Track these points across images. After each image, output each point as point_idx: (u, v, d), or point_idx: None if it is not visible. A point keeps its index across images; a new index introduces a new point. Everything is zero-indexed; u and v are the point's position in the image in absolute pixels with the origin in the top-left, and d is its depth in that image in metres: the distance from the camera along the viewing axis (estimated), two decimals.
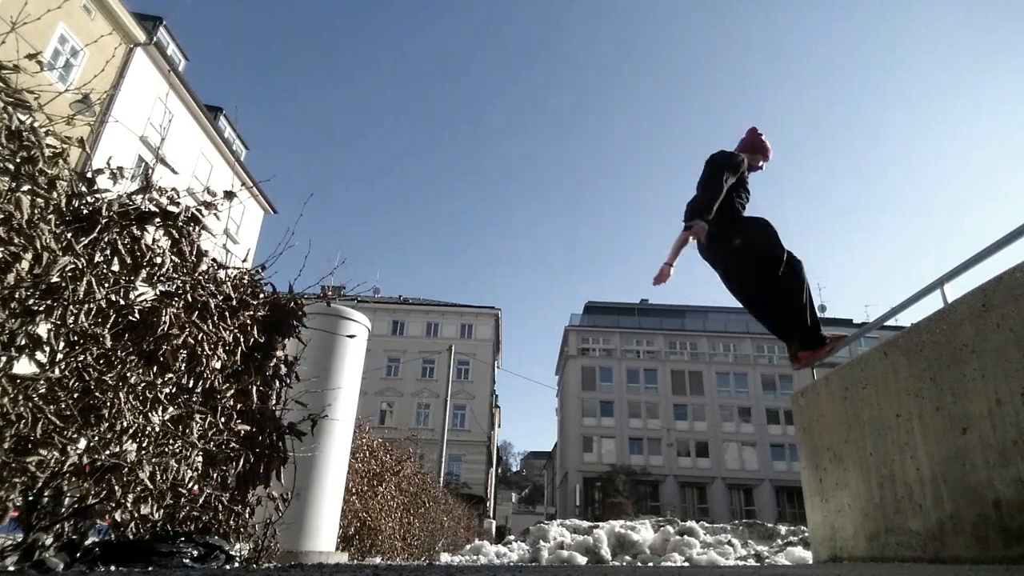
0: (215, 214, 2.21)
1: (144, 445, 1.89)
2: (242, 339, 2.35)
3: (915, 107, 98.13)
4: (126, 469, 1.76)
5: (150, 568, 1.76)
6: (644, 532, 8.96)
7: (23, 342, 1.56)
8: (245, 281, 2.51)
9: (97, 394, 1.71)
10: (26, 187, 1.55)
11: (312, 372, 2.99)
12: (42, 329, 1.60)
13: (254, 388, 2.39)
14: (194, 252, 2.12)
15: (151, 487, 1.84)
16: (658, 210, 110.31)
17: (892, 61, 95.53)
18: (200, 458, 2.11)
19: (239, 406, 2.32)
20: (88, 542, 1.78)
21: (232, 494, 2.28)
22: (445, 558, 9.18)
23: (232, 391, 2.28)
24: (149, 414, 1.89)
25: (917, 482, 2.38)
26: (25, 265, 1.54)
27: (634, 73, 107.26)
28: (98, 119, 12.24)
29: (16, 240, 1.50)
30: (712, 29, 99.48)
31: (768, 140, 3.65)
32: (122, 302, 1.85)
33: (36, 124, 1.62)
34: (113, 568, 1.71)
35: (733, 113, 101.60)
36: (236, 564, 2.09)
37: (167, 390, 2.01)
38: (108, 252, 1.82)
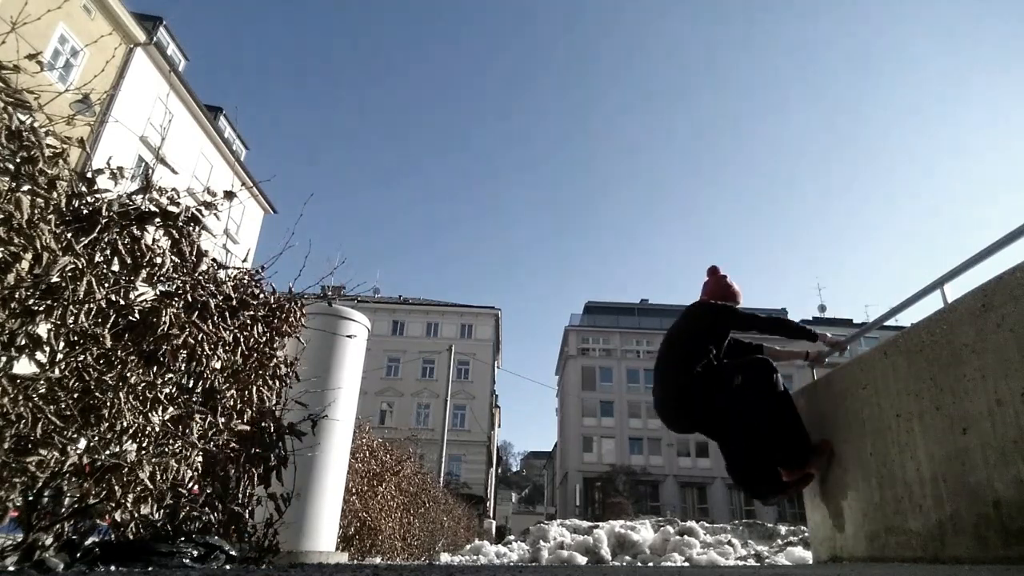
0: (215, 214, 2.21)
1: (144, 445, 1.89)
2: (242, 339, 2.35)
3: (917, 107, 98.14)
4: (126, 469, 1.76)
5: (150, 568, 1.76)
6: (644, 532, 8.95)
7: (23, 342, 1.56)
8: (245, 281, 2.51)
9: (97, 394, 1.71)
10: (26, 187, 1.55)
11: (312, 372, 2.99)
12: (42, 329, 1.60)
13: (254, 388, 2.39)
14: (194, 252, 2.12)
15: (151, 487, 1.84)
16: (658, 210, 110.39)
17: (893, 62, 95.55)
18: (200, 458, 2.11)
19: (239, 406, 2.32)
20: (88, 542, 1.78)
21: (232, 494, 2.28)
22: (445, 558, 9.18)
23: (232, 391, 2.28)
24: (149, 414, 1.89)
25: (917, 482, 2.38)
26: (25, 265, 1.54)
27: (636, 75, 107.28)
28: (98, 119, 12.24)
29: (16, 240, 1.50)
30: (714, 30, 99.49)
31: (736, 283, 3.43)
32: (122, 302, 1.85)
33: (36, 124, 1.62)
34: (113, 568, 1.71)
35: (734, 114, 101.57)
36: (236, 564, 2.08)
37: (167, 390, 2.01)
38: (108, 252, 1.82)
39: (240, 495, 2.31)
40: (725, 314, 3.22)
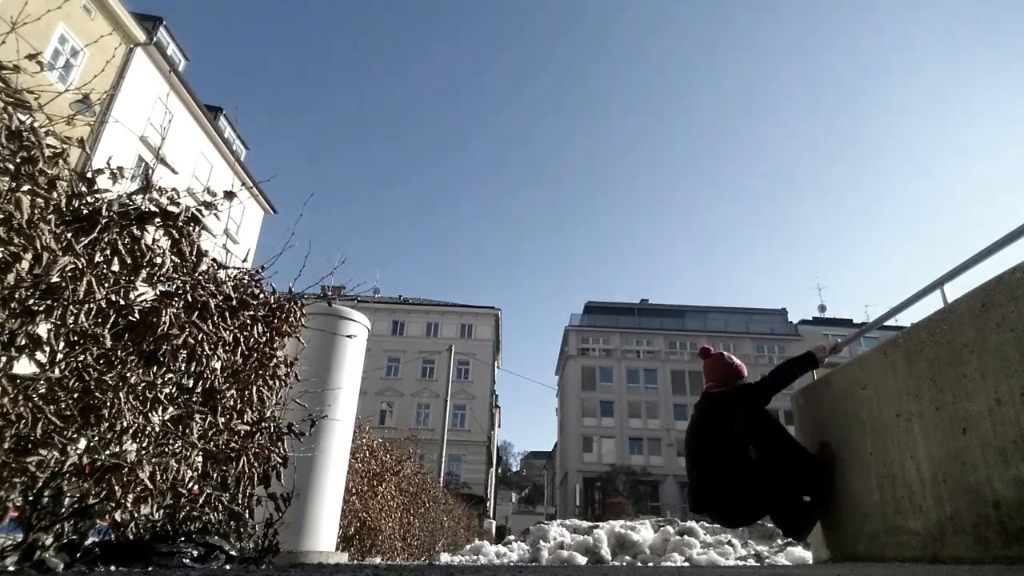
0: (215, 214, 2.21)
1: (144, 445, 1.89)
2: (242, 339, 2.35)
3: (917, 107, 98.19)
4: (126, 469, 1.76)
5: (150, 568, 1.77)
6: (644, 532, 8.95)
7: (23, 342, 1.56)
8: (245, 281, 2.51)
9: (97, 394, 1.71)
10: (26, 187, 1.55)
11: (312, 372, 2.99)
12: (42, 329, 1.60)
13: (254, 388, 2.39)
14: (194, 252, 2.12)
15: (151, 487, 1.84)
16: (658, 210, 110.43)
17: (893, 62, 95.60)
18: (200, 458, 2.11)
19: (239, 406, 2.32)
20: (88, 542, 1.78)
21: (232, 494, 2.28)
22: (445, 558, 9.18)
23: (232, 391, 2.28)
24: (149, 414, 1.89)
25: (917, 482, 2.38)
26: (25, 265, 1.54)
27: (636, 75, 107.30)
28: (98, 119, 12.24)
29: (16, 240, 1.50)
30: (714, 30, 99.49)
31: (735, 358, 3.46)
32: (122, 302, 1.85)
33: (36, 124, 1.62)
34: (113, 568, 1.71)
35: (735, 114, 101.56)
36: (236, 564, 2.08)
37: (167, 390, 2.01)
38: (108, 252, 1.82)
39: (240, 495, 2.31)
40: (745, 399, 3.16)
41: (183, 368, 2.07)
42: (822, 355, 3.29)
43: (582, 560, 7.64)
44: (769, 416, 3.08)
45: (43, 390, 1.59)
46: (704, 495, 3.05)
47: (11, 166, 1.54)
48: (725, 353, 3.48)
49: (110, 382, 1.74)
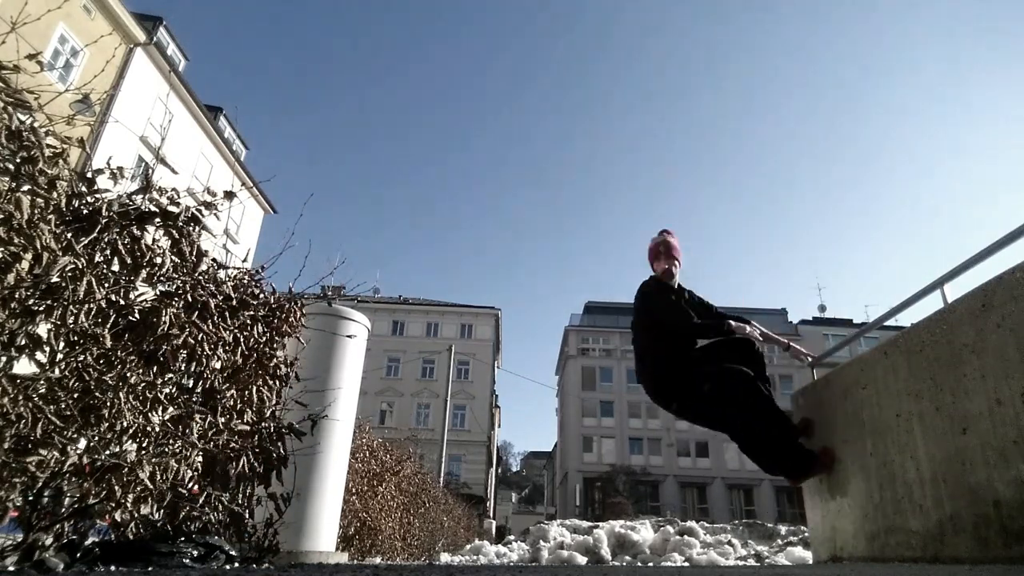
0: (215, 214, 2.21)
1: (144, 445, 1.89)
2: (242, 339, 2.35)
3: (917, 107, 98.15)
4: (126, 469, 1.76)
5: (150, 568, 1.76)
6: (644, 532, 8.95)
7: (23, 342, 1.56)
8: (245, 281, 2.51)
9: (97, 394, 1.71)
10: (26, 187, 1.55)
11: (312, 372, 2.99)
12: (42, 329, 1.60)
13: (254, 388, 2.39)
14: (194, 252, 2.12)
15: (151, 487, 1.84)
16: (658, 210, 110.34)
17: (893, 62, 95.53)
18: (200, 458, 2.11)
19: (239, 406, 2.32)
20: (88, 542, 1.78)
21: (232, 494, 2.28)
22: (445, 558, 9.18)
23: (232, 391, 2.28)
24: (149, 414, 1.89)
25: (917, 482, 2.38)
26: (25, 265, 1.54)
27: (636, 75, 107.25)
28: (98, 119, 12.24)
29: (16, 240, 1.50)
30: (714, 30, 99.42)
31: (673, 240, 3.26)
32: (122, 302, 1.85)
33: (36, 124, 1.62)
34: (113, 568, 1.71)
35: (735, 114, 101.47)
36: (236, 564, 2.08)
37: (167, 390, 2.01)
38: (108, 252, 1.82)
39: (240, 495, 2.31)
40: (644, 301, 3.19)
41: (183, 368, 2.07)
42: (739, 330, 3.05)
43: (582, 560, 7.64)
44: (755, 397, 2.92)
45: (43, 390, 1.59)
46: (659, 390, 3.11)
47: (11, 166, 1.54)
48: (654, 240, 3.34)
49: (110, 382, 1.74)
